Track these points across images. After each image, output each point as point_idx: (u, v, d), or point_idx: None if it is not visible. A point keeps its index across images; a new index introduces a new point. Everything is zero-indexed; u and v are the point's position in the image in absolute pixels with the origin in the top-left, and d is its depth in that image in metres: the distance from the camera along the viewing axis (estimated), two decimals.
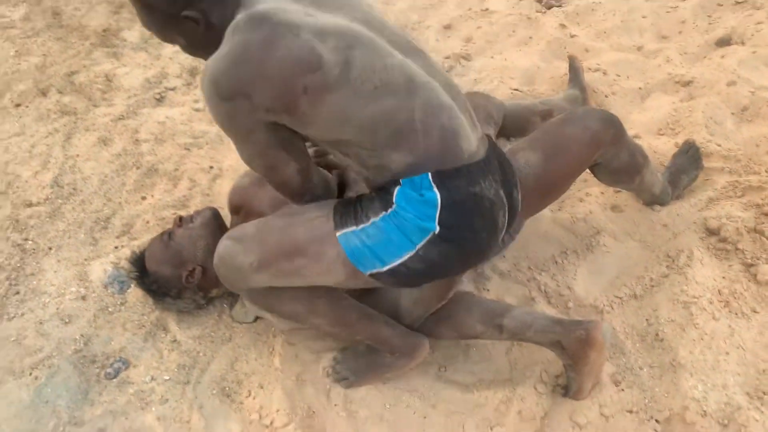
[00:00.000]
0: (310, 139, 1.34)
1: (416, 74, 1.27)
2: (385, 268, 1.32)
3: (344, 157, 1.33)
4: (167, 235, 1.77)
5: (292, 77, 1.17)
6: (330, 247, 1.32)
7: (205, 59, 1.26)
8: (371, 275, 1.34)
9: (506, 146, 2.25)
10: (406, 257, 1.30)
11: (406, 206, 1.27)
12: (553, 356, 1.65)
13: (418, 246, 1.29)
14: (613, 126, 1.64)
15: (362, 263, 1.32)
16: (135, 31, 3.04)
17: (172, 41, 1.34)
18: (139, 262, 1.79)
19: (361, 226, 1.31)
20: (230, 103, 1.19)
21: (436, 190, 1.25)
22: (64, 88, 2.66)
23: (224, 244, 1.39)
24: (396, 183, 1.27)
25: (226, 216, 1.90)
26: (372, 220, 1.30)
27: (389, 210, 1.29)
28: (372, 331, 1.57)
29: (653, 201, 1.98)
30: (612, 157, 1.69)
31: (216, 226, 1.79)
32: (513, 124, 2.15)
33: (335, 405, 1.60)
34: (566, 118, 1.66)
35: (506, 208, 1.39)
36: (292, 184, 1.37)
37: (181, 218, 1.79)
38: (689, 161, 2.04)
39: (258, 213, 1.74)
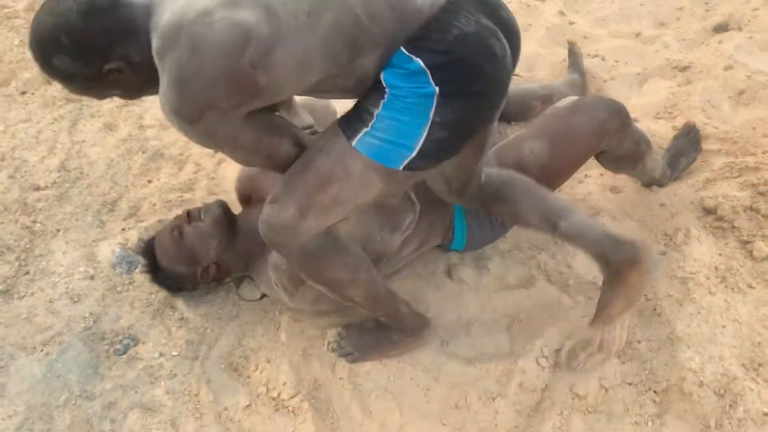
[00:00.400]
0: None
1: None
2: (415, 153, 1.25)
3: (327, 94, 1.33)
4: (177, 232, 1.73)
5: (234, 64, 1.12)
6: (353, 160, 1.27)
7: (155, 94, 1.24)
8: (405, 168, 1.28)
9: (507, 130, 2.29)
10: (426, 131, 1.23)
11: (398, 84, 1.22)
12: (554, 332, 1.69)
13: (431, 114, 1.22)
14: (619, 116, 1.68)
15: (390, 159, 1.26)
16: None
17: (108, 96, 1.31)
18: (148, 253, 1.78)
19: (370, 124, 1.25)
20: (200, 122, 1.17)
21: (415, 57, 1.19)
22: None
23: (264, 212, 1.36)
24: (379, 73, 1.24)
25: (233, 202, 1.93)
26: (376, 113, 1.24)
27: (385, 96, 1.23)
28: (394, 308, 1.61)
29: (652, 183, 2.02)
30: (617, 145, 1.73)
31: (226, 222, 1.76)
32: (514, 107, 2.18)
33: (340, 378, 1.64)
34: (574, 106, 1.69)
35: (498, 31, 1.27)
36: (293, 159, 1.36)
37: (189, 213, 1.76)
38: (689, 143, 2.08)
39: None
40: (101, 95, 1.30)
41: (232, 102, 1.16)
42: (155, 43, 1.16)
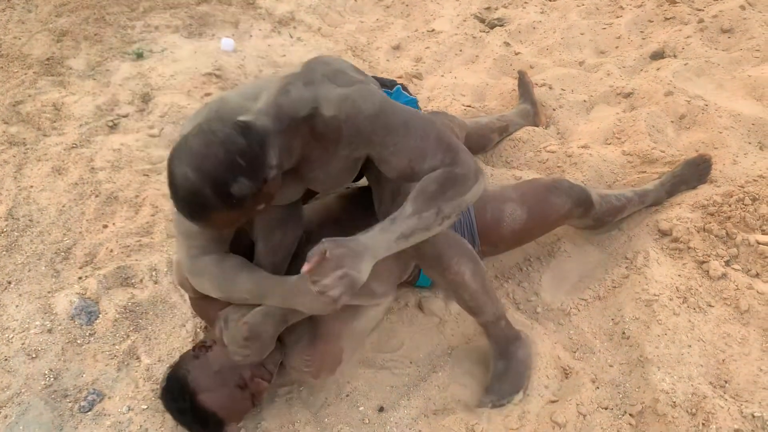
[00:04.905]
0: None
1: None
2: None
3: None
4: (249, 395, 1.57)
5: None
6: None
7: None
8: None
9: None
10: None
11: None
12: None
13: None
14: (583, 205, 1.91)
15: None
16: (80, 58, 2.98)
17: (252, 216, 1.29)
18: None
19: None
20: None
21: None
22: (9, 119, 2.58)
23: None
24: None
25: None
26: None
27: None
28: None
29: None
30: (580, 221, 1.99)
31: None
32: (474, 141, 2.24)
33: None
34: (553, 186, 1.89)
35: None
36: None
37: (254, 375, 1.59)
38: (696, 174, 2.12)
39: None
40: (250, 216, 1.26)
41: None
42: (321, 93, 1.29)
